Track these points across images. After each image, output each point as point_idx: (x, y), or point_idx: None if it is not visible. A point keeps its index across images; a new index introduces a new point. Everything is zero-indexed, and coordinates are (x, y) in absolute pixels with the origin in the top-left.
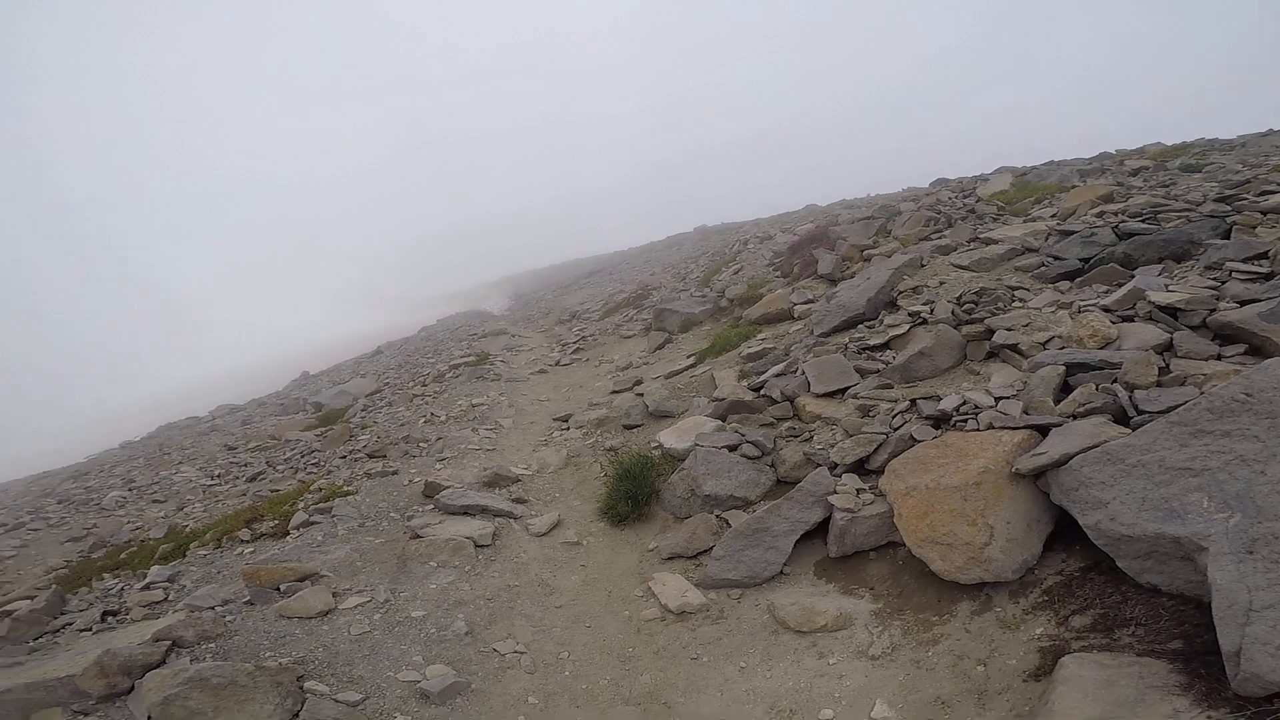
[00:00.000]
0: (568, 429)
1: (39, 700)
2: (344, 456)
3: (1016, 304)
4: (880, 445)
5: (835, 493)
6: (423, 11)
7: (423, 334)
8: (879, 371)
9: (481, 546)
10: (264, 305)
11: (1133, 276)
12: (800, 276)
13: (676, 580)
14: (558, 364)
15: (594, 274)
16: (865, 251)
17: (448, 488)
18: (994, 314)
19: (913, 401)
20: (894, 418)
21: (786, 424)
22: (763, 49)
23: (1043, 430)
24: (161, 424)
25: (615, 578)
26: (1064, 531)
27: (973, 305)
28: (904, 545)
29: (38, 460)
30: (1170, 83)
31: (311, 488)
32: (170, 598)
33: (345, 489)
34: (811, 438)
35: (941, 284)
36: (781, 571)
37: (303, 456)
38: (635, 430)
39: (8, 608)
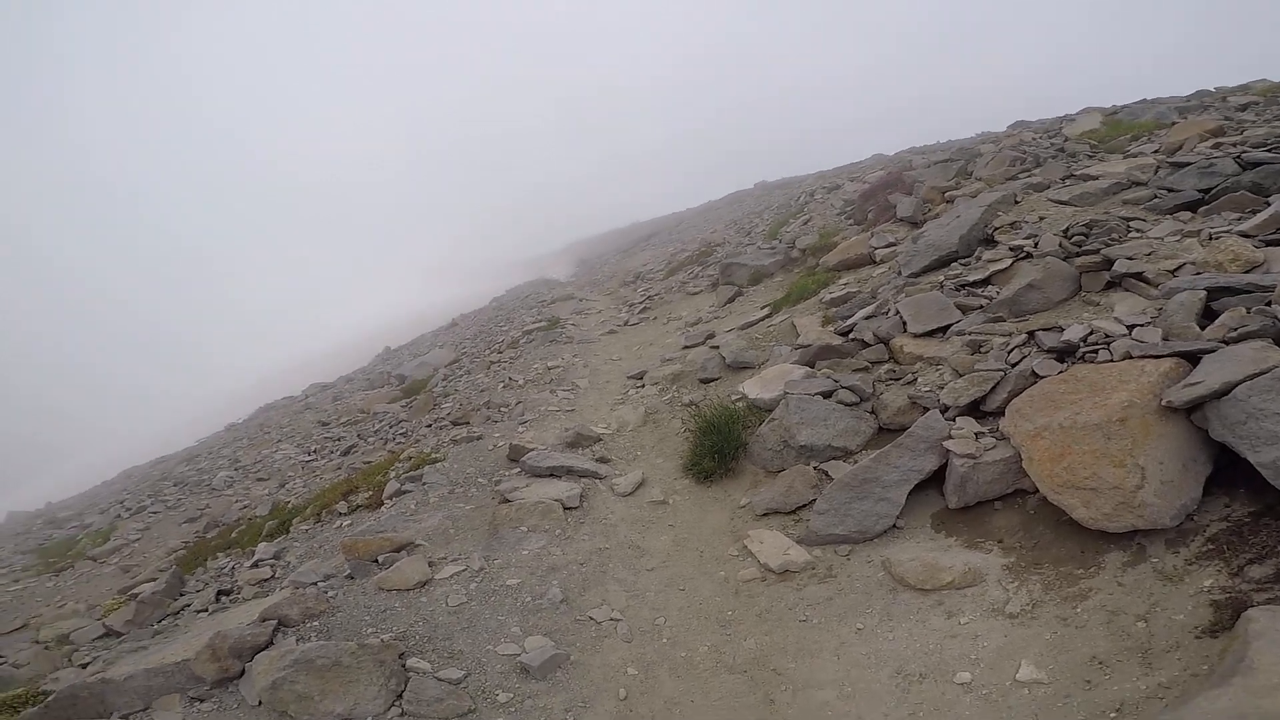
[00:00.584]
0: (643, 386)
1: (159, 686)
2: (429, 425)
3: (1134, 234)
4: (998, 383)
5: (951, 438)
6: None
7: (494, 304)
8: (982, 307)
9: (570, 509)
10: (342, 287)
11: (1268, 204)
12: (876, 222)
13: (775, 537)
14: (626, 324)
15: (654, 236)
16: (947, 193)
17: (532, 450)
18: (1109, 244)
19: (1030, 334)
20: (1009, 353)
21: (884, 367)
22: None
23: (1191, 358)
24: (261, 405)
25: (706, 537)
26: (1221, 473)
27: (1083, 237)
28: (1034, 493)
29: (156, 445)
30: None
31: (401, 457)
32: (277, 574)
33: (433, 456)
34: (915, 380)
35: (1041, 219)
36: (894, 525)
37: (391, 427)
38: (713, 384)
39: (134, 590)
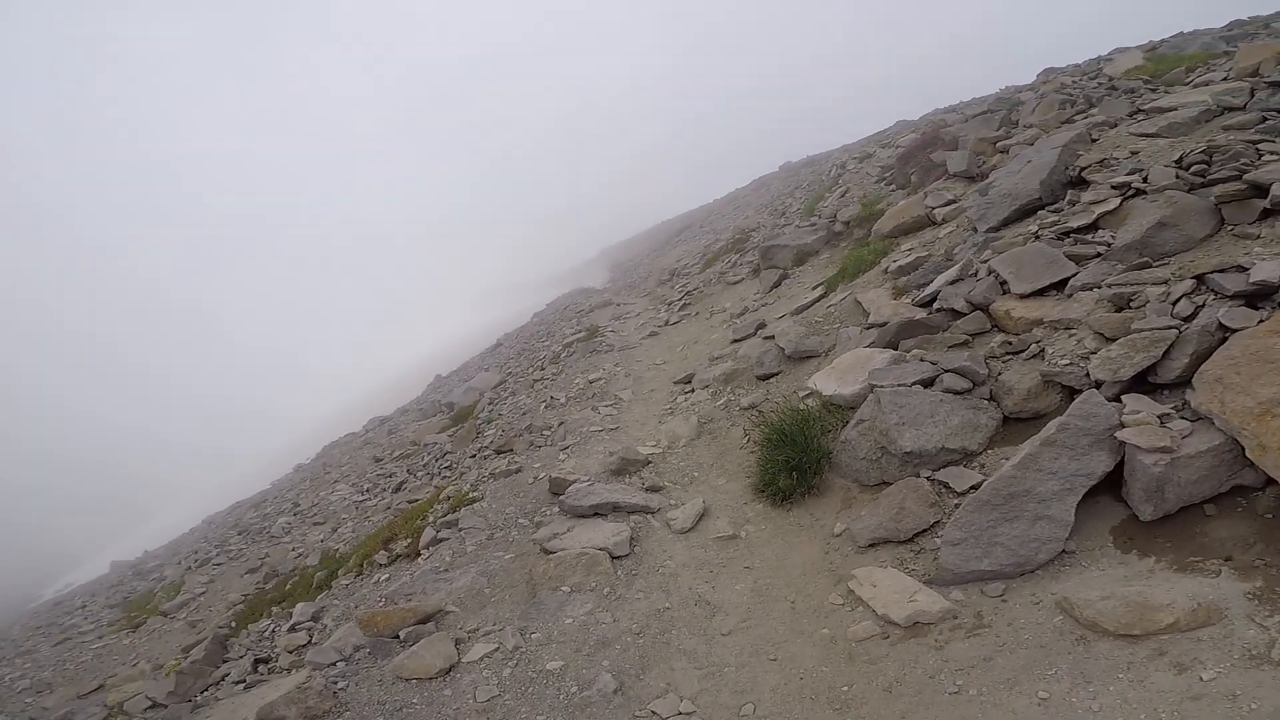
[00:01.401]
0: (692, 391)
1: None
2: (474, 455)
3: (1271, 157)
4: (1172, 345)
5: (1124, 425)
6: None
7: (535, 319)
8: (1100, 255)
9: (618, 558)
10: (394, 324)
11: None
12: (923, 183)
13: (892, 577)
14: (667, 323)
15: (684, 230)
16: (998, 144)
17: (573, 482)
18: (1245, 169)
19: (1198, 279)
20: (1174, 305)
21: (992, 340)
22: None
23: None
24: (326, 444)
25: (796, 580)
26: None
27: (1203, 166)
28: (1261, 489)
29: (238, 491)
30: None
31: (442, 495)
32: (314, 639)
33: (471, 496)
34: (1042, 351)
35: (1134, 153)
36: (1064, 551)
37: (437, 460)
38: (772, 380)
39: (191, 646)
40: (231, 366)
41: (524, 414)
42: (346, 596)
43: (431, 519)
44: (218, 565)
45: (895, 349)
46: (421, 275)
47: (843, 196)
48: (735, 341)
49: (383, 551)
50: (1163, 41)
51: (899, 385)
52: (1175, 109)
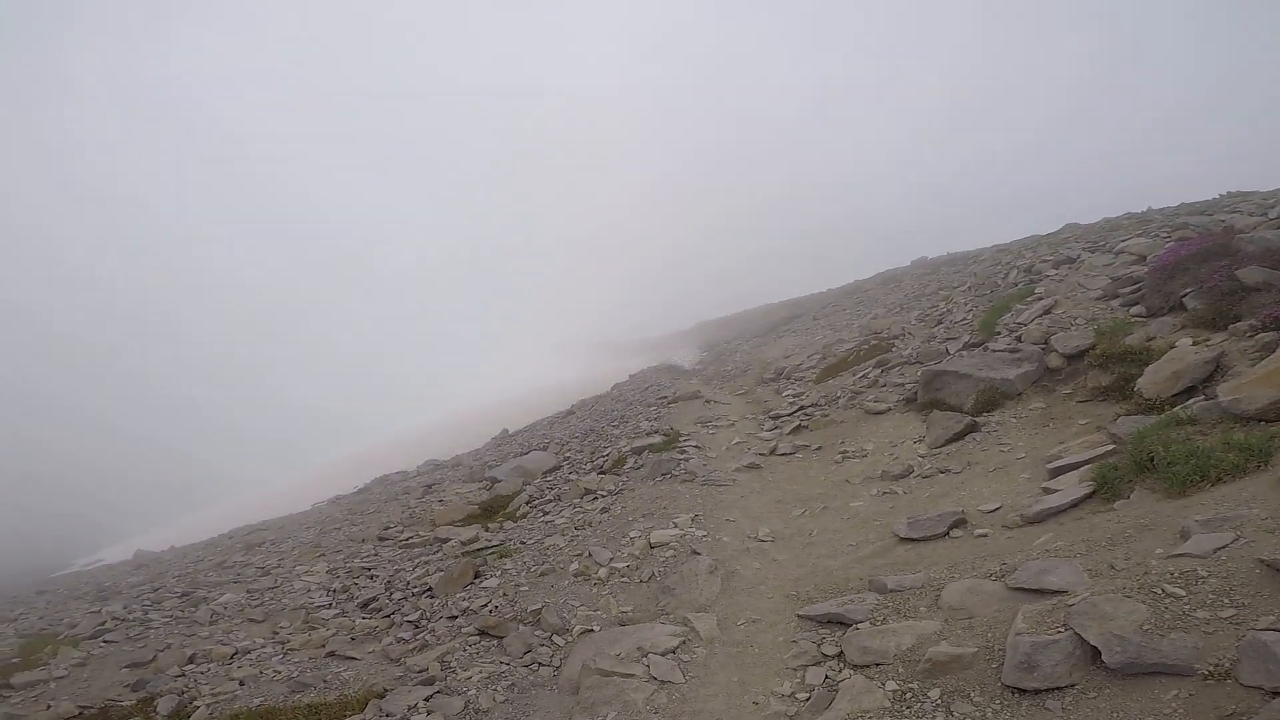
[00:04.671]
0: (846, 672)
1: None
2: (454, 617)
3: None
4: None
5: None
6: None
7: (614, 393)
8: None
9: None
10: (472, 359)
11: None
12: (1222, 312)
13: None
14: (774, 452)
15: (793, 320)
16: None
17: None
18: None
19: None
20: None
21: None
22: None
23: None
24: (376, 477)
25: None
26: None
27: None
28: None
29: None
30: None
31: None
32: None
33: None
34: None
35: None
36: None
37: (417, 592)
38: (1050, 699)
39: None
40: (322, 374)
41: (542, 571)
42: None
43: None
44: (105, 644)
45: None
46: (507, 313)
47: (1047, 315)
48: (910, 542)
49: None
50: None
51: None
52: None
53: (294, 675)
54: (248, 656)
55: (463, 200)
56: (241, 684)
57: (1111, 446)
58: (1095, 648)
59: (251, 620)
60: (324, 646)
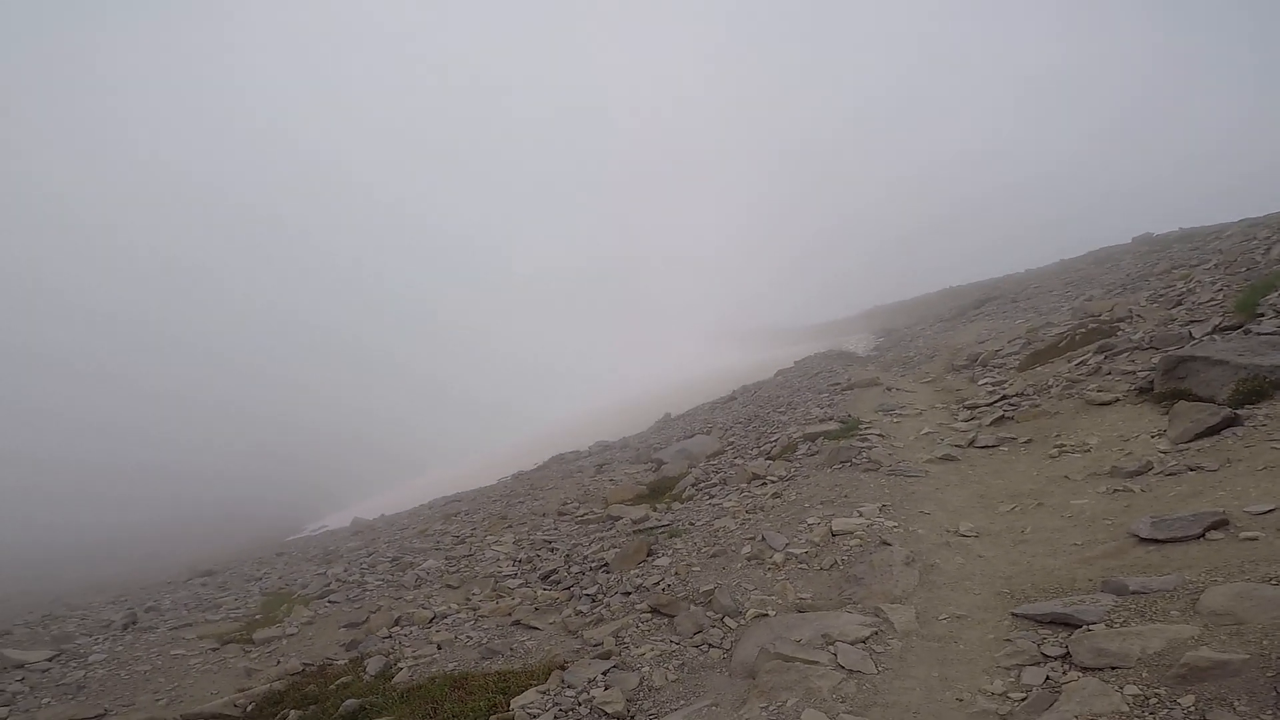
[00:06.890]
0: (1065, 669)
1: None
2: (628, 593)
3: None
4: None
5: None
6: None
7: (778, 379)
8: None
9: None
10: (634, 340)
11: None
12: None
13: None
14: (973, 444)
15: (987, 302)
16: None
17: None
18: None
19: None
20: None
21: None
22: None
23: None
24: (553, 454)
25: None
26: None
27: None
28: None
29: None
30: None
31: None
32: None
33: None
34: None
35: None
36: None
37: (594, 566)
38: None
39: None
40: (490, 370)
41: (713, 552)
42: None
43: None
44: (332, 602)
45: None
46: (664, 299)
47: None
48: (1152, 543)
49: None
50: None
51: None
52: None
53: (484, 642)
54: (444, 621)
55: (583, 209)
56: (439, 648)
57: None
58: None
59: (449, 586)
60: (510, 615)
